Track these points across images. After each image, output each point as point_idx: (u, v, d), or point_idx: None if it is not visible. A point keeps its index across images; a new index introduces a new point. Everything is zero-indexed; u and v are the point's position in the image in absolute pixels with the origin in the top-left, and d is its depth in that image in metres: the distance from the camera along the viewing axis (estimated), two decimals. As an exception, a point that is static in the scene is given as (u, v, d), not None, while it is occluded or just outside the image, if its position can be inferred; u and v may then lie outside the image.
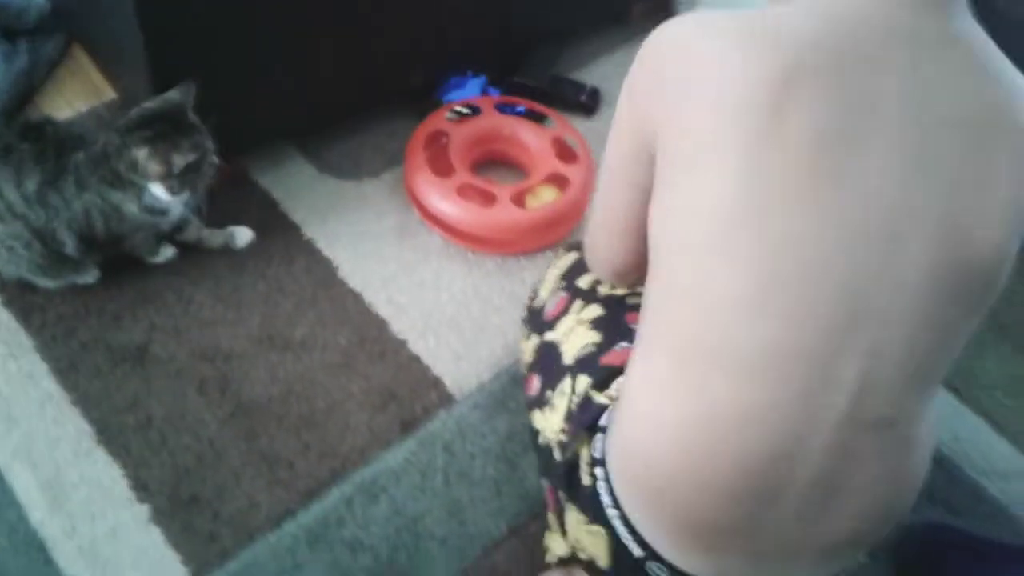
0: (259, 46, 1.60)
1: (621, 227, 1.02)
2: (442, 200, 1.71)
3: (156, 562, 1.33)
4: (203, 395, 1.51)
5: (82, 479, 1.40)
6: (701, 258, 0.86)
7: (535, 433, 1.16)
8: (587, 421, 1.04)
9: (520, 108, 1.92)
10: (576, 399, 1.08)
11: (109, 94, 1.92)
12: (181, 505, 1.38)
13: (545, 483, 1.15)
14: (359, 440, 1.48)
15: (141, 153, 1.42)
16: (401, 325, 1.64)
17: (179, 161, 1.42)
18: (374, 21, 1.73)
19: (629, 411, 0.97)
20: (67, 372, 1.51)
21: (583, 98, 2.04)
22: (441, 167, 1.77)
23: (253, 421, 1.48)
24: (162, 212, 1.51)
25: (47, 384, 1.49)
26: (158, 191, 1.46)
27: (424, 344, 1.62)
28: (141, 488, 1.40)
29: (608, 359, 1.09)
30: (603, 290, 1.19)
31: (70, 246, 1.50)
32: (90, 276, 1.60)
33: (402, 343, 1.61)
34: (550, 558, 1.35)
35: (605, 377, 1.07)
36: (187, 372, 1.53)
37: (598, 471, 1.01)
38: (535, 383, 1.18)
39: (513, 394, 1.56)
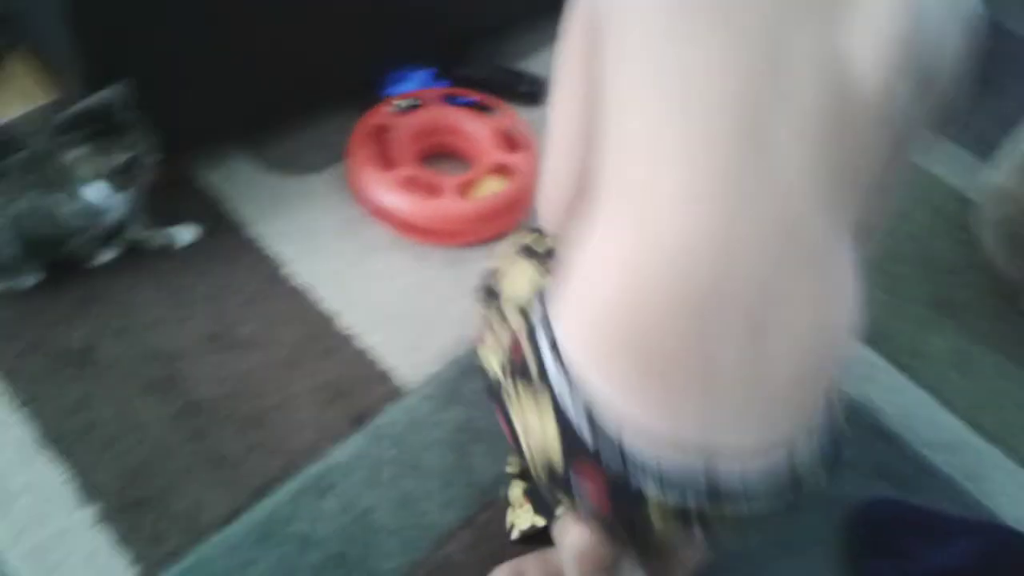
0: (197, 44, 1.59)
1: (568, 148, 1.08)
2: (387, 193, 1.71)
3: (104, 564, 1.32)
4: (149, 396, 1.49)
5: (27, 484, 1.38)
6: (634, 108, 0.97)
7: (485, 372, 1.21)
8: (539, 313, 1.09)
9: (464, 99, 1.92)
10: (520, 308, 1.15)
11: (51, 96, 1.89)
12: (128, 506, 1.37)
13: (497, 410, 1.18)
14: (308, 436, 1.48)
15: (75, 154, 1.40)
16: (349, 320, 1.63)
17: (113, 161, 1.41)
18: (316, 16, 1.72)
19: (575, 264, 1.03)
20: (10, 377, 1.49)
21: (527, 87, 2.04)
22: (385, 161, 1.76)
23: (200, 421, 1.47)
24: (99, 214, 1.50)
25: (-11, 390, 1.48)
26: (94, 192, 1.44)
27: (373, 338, 1.61)
28: (87, 491, 1.38)
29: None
30: (549, 244, 1.23)
31: (7, 251, 1.48)
32: (30, 280, 1.58)
33: (350, 338, 1.61)
34: (516, 535, 1.37)
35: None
36: (132, 374, 1.52)
37: (541, 339, 1.05)
38: (483, 327, 1.24)
39: (464, 384, 1.56)
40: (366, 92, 1.94)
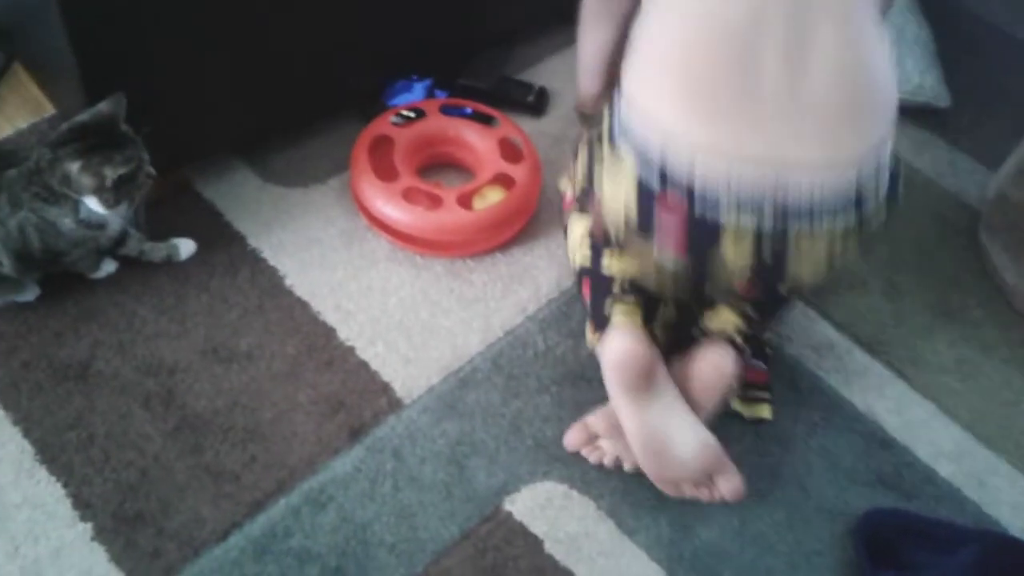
0: (198, 56, 1.59)
1: None
2: (387, 204, 1.71)
3: (101, 580, 1.32)
4: (147, 410, 1.49)
5: (24, 500, 1.38)
6: None
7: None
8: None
9: (467, 110, 1.92)
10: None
11: (50, 110, 1.90)
12: (125, 522, 1.37)
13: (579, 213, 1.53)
14: (307, 450, 1.47)
15: (73, 167, 1.40)
16: (349, 332, 1.63)
17: (111, 173, 1.41)
18: (317, 27, 1.72)
19: (638, 40, 1.30)
20: (8, 392, 1.49)
21: (530, 98, 2.03)
22: (386, 171, 1.76)
23: (198, 435, 1.47)
24: (99, 226, 1.50)
25: (-13, 405, 1.47)
26: (93, 204, 1.44)
27: (373, 350, 1.61)
28: (84, 506, 1.38)
29: None
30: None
31: (7, 265, 1.47)
32: (30, 294, 1.58)
33: (350, 350, 1.60)
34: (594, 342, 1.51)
35: None
36: (131, 387, 1.51)
37: (614, 119, 1.30)
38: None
39: (462, 396, 1.56)
40: (368, 103, 1.94)
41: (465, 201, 1.74)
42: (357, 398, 1.54)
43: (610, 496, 1.47)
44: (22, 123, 1.87)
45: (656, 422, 1.41)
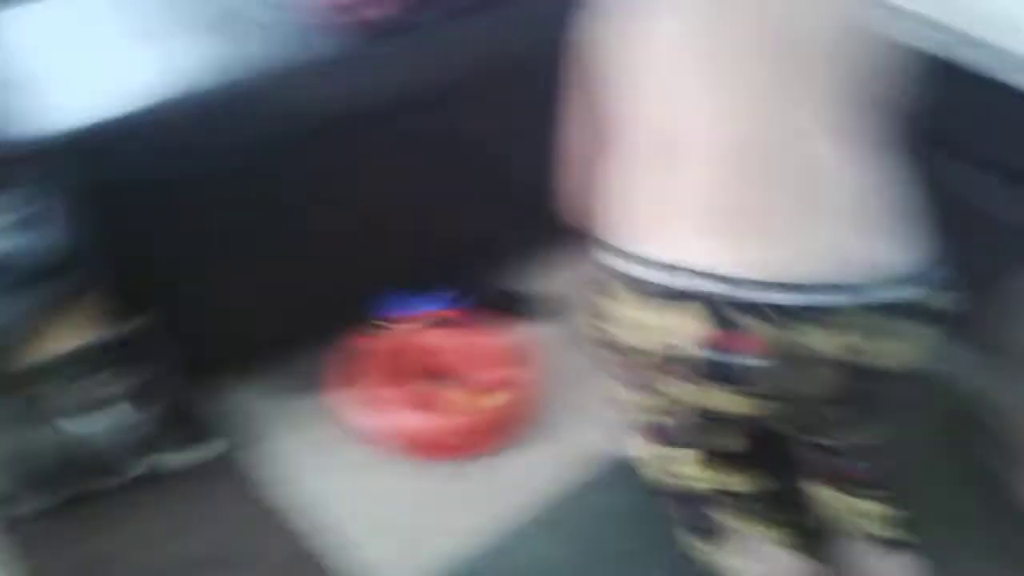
0: (200, 277, 1.69)
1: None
2: (387, 411, 1.76)
3: None
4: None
5: None
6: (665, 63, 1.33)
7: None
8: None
9: (460, 319, 1.98)
10: None
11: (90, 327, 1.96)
12: None
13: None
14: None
15: (97, 379, 1.46)
16: (347, 535, 1.64)
17: (134, 385, 1.47)
18: (313, 251, 1.83)
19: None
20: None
21: (520, 307, 2.11)
22: (383, 381, 1.82)
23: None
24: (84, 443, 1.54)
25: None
26: (111, 414, 1.49)
27: (371, 554, 1.61)
28: None
29: None
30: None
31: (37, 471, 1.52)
32: (44, 504, 1.60)
33: (348, 553, 1.61)
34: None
35: None
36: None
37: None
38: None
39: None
40: (371, 316, 2.00)
41: (464, 406, 1.78)
42: (356, 604, 1.54)
43: None
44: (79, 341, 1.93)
45: None
